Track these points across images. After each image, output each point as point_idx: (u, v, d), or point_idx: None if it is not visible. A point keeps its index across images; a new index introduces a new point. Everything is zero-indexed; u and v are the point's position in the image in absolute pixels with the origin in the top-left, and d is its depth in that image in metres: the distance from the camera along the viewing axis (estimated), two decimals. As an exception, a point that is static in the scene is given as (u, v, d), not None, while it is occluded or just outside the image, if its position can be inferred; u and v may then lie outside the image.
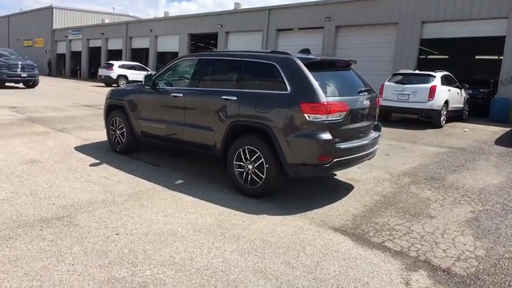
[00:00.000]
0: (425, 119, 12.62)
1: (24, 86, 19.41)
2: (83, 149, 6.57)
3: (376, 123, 5.11)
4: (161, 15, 34.23)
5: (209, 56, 5.34)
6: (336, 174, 5.71)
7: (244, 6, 26.28)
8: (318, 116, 4.06)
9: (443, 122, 12.38)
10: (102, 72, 25.82)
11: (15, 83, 19.13)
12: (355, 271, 2.96)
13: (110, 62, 27.08)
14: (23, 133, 7.65)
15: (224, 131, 4.66)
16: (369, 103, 4.67)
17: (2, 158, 5.64)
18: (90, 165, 5.56)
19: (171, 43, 29.58)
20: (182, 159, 6.19)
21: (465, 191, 5.26)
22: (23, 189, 4.35)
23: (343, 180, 5.49)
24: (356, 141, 4.52)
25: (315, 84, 4.14)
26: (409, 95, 12.18)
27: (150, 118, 5.72)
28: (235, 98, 4.57)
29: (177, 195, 4.46)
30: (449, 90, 12.67)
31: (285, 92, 4.25)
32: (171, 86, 5.60)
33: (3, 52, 20.14)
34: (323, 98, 4.08)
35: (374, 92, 5.03)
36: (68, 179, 4.83)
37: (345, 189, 5.09)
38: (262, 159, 4.35)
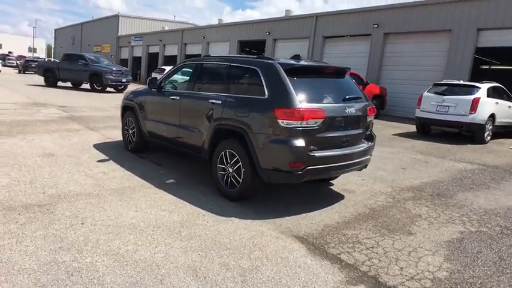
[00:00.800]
0: (467, 134, 11.77)
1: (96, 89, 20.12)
2: (100, 146, 7.06)
3: (368, 133, 4.93)
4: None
5: (203, 60, 5.52)
6: (332, 184, 5.59)
7: (296, 13, 26.41)
8: (291, 122, 4.03)
9: (488, 137, 11.46)
10: (154, 76, 27.26)
11: (115, 88, 20.49)
12: (290, 279, 2.92)
13: (162, 67, 28.52)
14: (56, 129, 8.37)
15: (209, 134, 4.79)
16: (355, 111, 4.54)
17: (25, 150, 6.26)
18: (98, 161, 5.97)
19: (221, 50, 30.46)
20: (187, 160, 6.41)
21: (468, 211, 4.88)
22: (25, 178, 4.81)
23: (337, 191, 5.35)
24: (337, 150, 4.41)
25: (291, 89, 4.12)
26: (449, 107, 11.45)
27: (154, 119, 6.02)
28: (220, 102, 4.68)
29: (159, 193, 4.66)
30: (496, 103, 11.71)
31: (263, 97, 4.29)
32: (173, 89, 5.86)
33: (99, 58, 21.59)
34: (297, 104, 4.05)
35: (368, 101, 4.87)
36: (69, 172, 5.24)
37: (333, 199, 4.97)
38: (240, 163, 4.41)
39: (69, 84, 22.02)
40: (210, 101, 4.83)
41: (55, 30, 74.77)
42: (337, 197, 5.05)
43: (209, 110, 4.82)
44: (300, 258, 3.26)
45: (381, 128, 12.93)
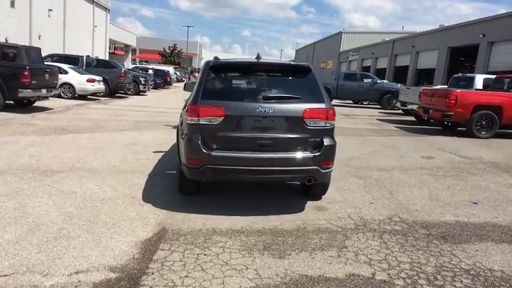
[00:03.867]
0: None
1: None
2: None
3: (317, 139, 4.07)
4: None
5: None
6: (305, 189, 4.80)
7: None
8: (192, 118, 3.99)
9: None
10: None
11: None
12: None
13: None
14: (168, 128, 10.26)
15: None
16: (273, 112, 3.95)
17: (123, 139, 8.19)
18: (154, 152, 7.19)
19: (429, 59, 27.49)
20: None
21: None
22: (76, 155, 6.45)
23: (309, 205, 4.60)
24: (248, 152, 3.95)
25: (200, 86, 4.07)
26: None
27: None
28: None
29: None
30: None
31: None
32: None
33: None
34: (197, 100, 3.97)
35: (310, 103, 4.09)
36: (116, 157, 6.63)
37: (276, 209, 4.35)
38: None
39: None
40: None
41: (296, 50, 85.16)
42: (288, 210, 4.38)
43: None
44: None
45: None
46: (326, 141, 4.14)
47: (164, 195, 4.71)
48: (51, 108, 12.68)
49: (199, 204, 4.40)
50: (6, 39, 19.82)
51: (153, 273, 2.90)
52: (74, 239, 3.36)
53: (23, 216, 3.77)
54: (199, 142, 3.95)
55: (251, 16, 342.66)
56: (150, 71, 29.89)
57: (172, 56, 66.90)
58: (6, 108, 10.94)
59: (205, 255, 3.24)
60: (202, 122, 3.95)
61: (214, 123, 3.94)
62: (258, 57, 4.56)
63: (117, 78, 18.38)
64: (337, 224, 4.09)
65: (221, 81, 4.18)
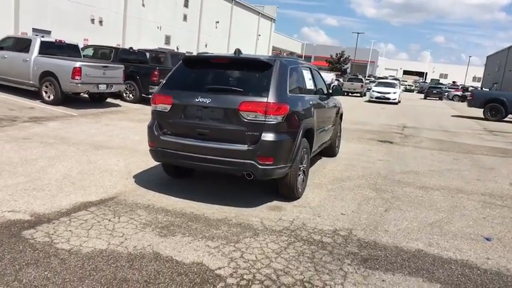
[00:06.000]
0: None
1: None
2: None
3: (255, 133, 3.97)
4: None
5: None
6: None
7: None
8: (152, 105, 4.51)
9: None
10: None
11: None
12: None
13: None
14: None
15: None
16: (209, 102, 4.09)
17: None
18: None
19: None
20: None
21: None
22: (142, 138, 7.72)
23: (271, 204, 4.49)
24: (190, 140, 4.19)
25: (168, 77, 4.53)
26: None
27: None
28: None
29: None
30: None
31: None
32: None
33: None
34: (159, 90, 4.45)
35: (251, 96, 4.06)
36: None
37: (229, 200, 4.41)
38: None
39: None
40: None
41: (487, 57, 73.50)
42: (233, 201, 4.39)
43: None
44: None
45: None
46: (265, 136, 4.00)
47: (156, 174, 5.34)
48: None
49: (173, 185, 4.89)
50: (177, 48, 24.14)
51: (53, 222, 3.58)
52: (46, 190, 4.36)
53: (38, 170, 5.03)
54: (155, 127, 4.43)
55: (447, 20, 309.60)
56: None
57: (339, 63, 67.22)
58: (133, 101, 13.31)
59: (108, 220, 3.73)
60: (158, 109, 4.42)
61: (165, 110, 4.36)
62: (235, 52, 4.70)
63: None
64: (266, 224, 3.92)
65: (184, 73, 4.54)
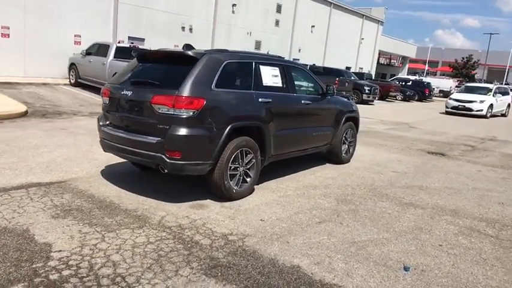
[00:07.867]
0: None
1: None
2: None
3: (161, 126, 3.97)
4: None
5: None
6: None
7: None
8: (102, 98, 4.82)
9: None
10: None
11: None
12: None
13: None
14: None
15: None
16: (129, 95, 4.22)
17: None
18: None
19: None
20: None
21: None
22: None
23: (200, 202, 4.40)
24: (119, 131, 4.35)
25: (117, 72, 4.81)
26: None
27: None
28: None
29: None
30: None
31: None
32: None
33: None
34: (105, 84, 4.77)
35: (159, 89, 4.06)
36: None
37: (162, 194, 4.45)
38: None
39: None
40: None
41: None
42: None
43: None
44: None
45: None
46: (173, 130, 3.93)
47: (130, 166, 5.66)
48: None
49: (135, 178, 5.13)
50: (267, 52, 24.69)
51: (-13, 196, 4.16)
52: (19, 169, 5.04)
53: (33, 154, 5.82)
54: (100, 118, 4.75)
55: None
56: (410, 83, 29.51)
57: (465, 68, 59.65)
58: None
59: (30, 199, 4.14)
60: (104, 101, 4.72)
61: (106, 102, 4.63)
62: (183, 46, 4.71)
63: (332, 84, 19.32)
64: (166, 219, 3.85)
65: (128, 68, 4.72)
